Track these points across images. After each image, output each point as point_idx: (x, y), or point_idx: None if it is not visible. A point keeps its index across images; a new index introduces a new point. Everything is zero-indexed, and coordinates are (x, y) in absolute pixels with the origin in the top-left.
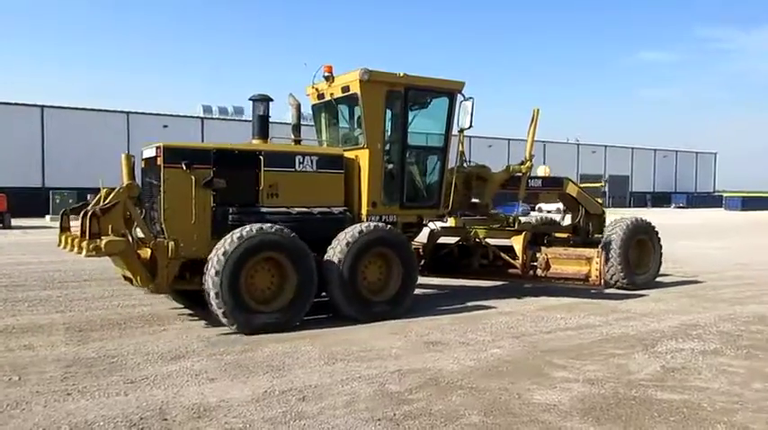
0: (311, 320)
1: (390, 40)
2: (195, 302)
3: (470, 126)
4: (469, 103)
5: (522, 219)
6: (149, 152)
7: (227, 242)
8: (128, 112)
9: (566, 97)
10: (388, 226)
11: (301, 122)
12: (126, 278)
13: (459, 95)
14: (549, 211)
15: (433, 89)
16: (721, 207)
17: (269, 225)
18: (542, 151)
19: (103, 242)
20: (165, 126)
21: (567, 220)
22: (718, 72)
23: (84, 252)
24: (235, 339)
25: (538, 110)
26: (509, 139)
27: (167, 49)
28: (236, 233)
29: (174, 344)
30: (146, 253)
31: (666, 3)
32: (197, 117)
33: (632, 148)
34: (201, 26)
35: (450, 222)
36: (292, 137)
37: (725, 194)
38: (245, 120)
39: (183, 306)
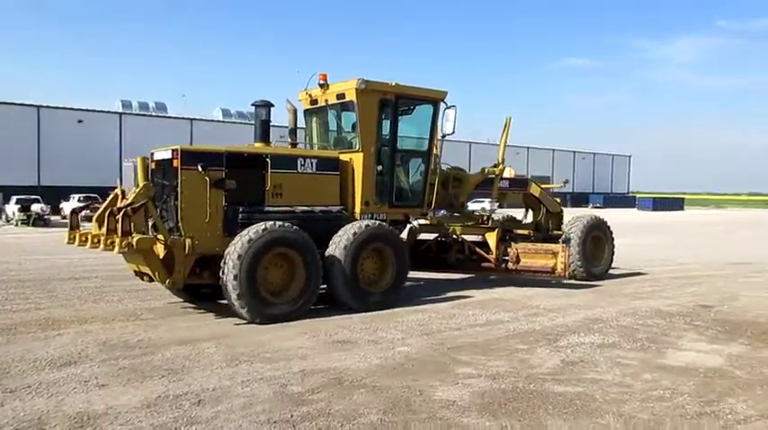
0: (224, 321)
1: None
2: (196, 297)
3: (453, 132)
4: (452, 110)
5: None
6: (162, 154)
7: (245, 238)
8: (38, 106)
9: (494, 101)
10: (385, 224)
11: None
12: (137, 274)
13: (441, 104)
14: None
15: (419, 97)
16: (635, 207)
17: (281, 223)
18: (468, 151)
19: (135, 239)
20: (80, 121)
21: (529, 218)
22: (636, 79)
23: (116, 248)
24: (135, 343)
25: (510, 118)
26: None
27: (83, 41)
28: (253, 230)
29: (67, 349)
30: (159, 250)
31: (588, 12)
32: (115, 113)
33: (553, 150)
34: (122, 13)
35: (427, 220)
36: (289, 140)
37: (638, 195)
38: (168, 117)
39: (182, 300)
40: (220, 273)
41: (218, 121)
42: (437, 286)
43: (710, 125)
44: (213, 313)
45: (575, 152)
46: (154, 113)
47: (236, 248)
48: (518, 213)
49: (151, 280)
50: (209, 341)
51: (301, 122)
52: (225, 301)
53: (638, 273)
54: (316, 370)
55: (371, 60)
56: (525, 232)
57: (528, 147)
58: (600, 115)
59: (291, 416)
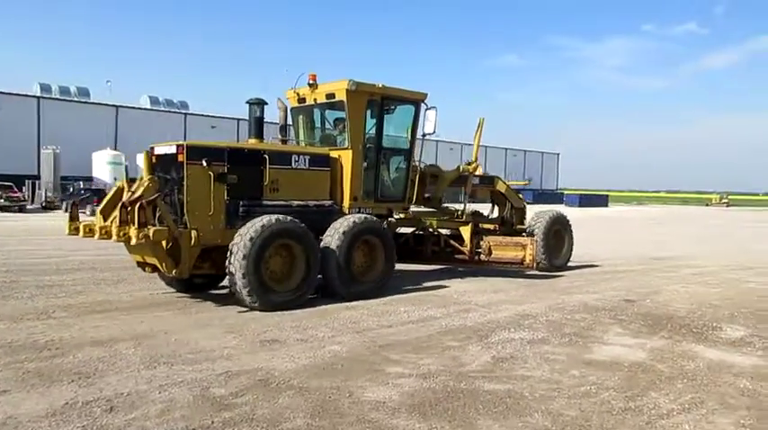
0: (147, 319)
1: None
2: (189, 288)
3: (434, 131)
4: (433, 111)
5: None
6: (165, 149)
7: (252, 230)
8: None
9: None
10: (375, 218)
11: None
12: (140, 264)
13: (423, 104)
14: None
15: (403, 98)
16: (562, 203)
17: (283, 216)
18: (421, 148)
19: (151, 231)
20: None
21: (495, 213)
22: (563, 77)
23: (133, 239)
24: (44, 343)
25: (482, 119)
26: None
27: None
28: (258, 222)
29: None
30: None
31: (522, 11)
32: (33, 96)
33: (486, 147)
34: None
35: (402, 214)
36: (279, 137)
37: (565, 192)
38: (91, 103)
39: (175, 290)
40: (227, 263)
41: (146, 109)
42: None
43: (635, 125)
44: (140, 310)
45: (506, 149)
46: (76, 99)
47: (244, 238)
48: (482, 208)
49: (154, 270)
50: (127, 341)
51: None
52: (216, 292)
53: (569, 267)
54: (241, 371)
55: (307, 51)
56: (491, 226)
57: (462, 144)
58: (532, 113)
59: (212, 422)
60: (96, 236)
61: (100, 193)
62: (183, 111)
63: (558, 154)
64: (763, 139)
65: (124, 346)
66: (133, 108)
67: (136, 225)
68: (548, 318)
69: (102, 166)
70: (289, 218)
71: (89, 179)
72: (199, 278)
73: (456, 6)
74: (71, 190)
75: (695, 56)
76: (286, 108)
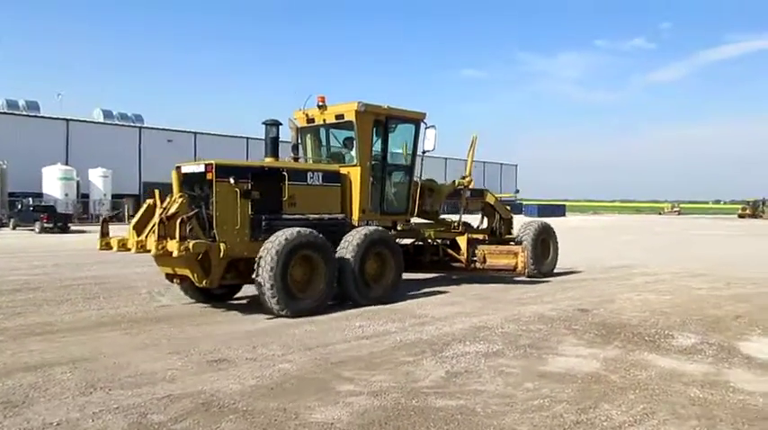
0: (89, 341)
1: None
2: (209, 298)
3: (433, 148)
4: (432, 130)
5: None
6: (193, 168)
7: (277, 242)
8: None
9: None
10: (384, 229)
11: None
12: (168, 276)
13: (422, 123)
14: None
15: (405, 118)
16: (521, 213)
17: (304, 229)
18: None
19: (191, 244)
20: None
21: (485, 224)
22: (522, 90)
23: (175, 252)
24: None
25: (476, 136)
26: None
27: None
28: (282, 235)
29: None
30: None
31: (486, 26)
32: None
33: (446, 158)
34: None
35: (404, 226)
36: (291, 155)
37: (524, 202)
38: (40, 117)
39: (194, 301)
40: (255, 274)
41: (99, 123)
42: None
43: (590, 136)
44: (81, 331)
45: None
46: (24, 113)
47: (270, 250)
48: (469, 219)
49: (182, 281)
50: (63, 365)
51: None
52: (234, 301)
53: (523, 278)
54: (183, 394)
55: (276, 64)
56: (481, 236)
57: (421, 156)
58: (491, 124)
59: None
60: (133, 250)
61: (49, 210)
62: (138, 125)
63: (516, 165)
64: (709, 150)
65: (59, 371)
66: (85, 122)
67: (177, 239)
68: (503, 329)
69: (53, 182)
70: (309, 230)
71: (39, 195)
72: (218, 288)
73: (419, 19)
74: (19, 207)
75: (644, 69)
76: (297, 128)
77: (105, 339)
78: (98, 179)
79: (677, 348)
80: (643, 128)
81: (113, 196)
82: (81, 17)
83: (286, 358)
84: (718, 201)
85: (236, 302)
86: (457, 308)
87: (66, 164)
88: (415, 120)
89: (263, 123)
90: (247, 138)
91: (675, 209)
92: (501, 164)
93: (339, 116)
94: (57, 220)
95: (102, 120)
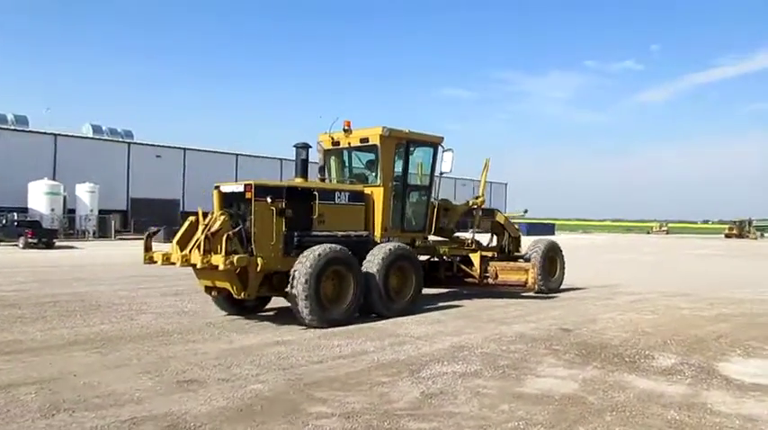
0: (58, 360)
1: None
2: (241, 310)
3: (450, 170)
4: (449, 153)
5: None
6: (232, 187)
7: (311, 258)
8: None
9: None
10: (407, 246)
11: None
12: (208, 289)
13: (440, 147)
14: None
15: (424, 141)
16: None
17: (335, 245)
18: None
19: (235, 258)
20: None
21: (494, 241)
22: (509, 110)
23: (221, 266)
24: None
25: (488, 160)
26: None
27: None
28: (315, 251)
29: None
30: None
31: (467, 46)
32: None
33: (437, 177)
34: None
35: (421, 243)
36: (319, 176)
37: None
38: (29, 131)
39: (226, 313)
40: (289, 286)
41: (88, 138)
42: None
43: (579, 156)
44: (52, 350)
45: (455, 179)
46: (12, 127)
47: (304, 265)
48: (477, 236)
49: (219, 293)
50: (29, 385)
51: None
52: (213, 321)
53: (505, 298)
54: (149, 416)
55: (254, 81)
56: (491, 254)
57: (439, 177)
58: (479, 143)
59: None
60: (178, 263)
61: (34, 225)
62: (128, 140)
63: (506, 183)
64: (697, 170)
65: (24, 392)
66: (74, 137)
67: (223, 253)
68: (483, 349)
69: (39, 197)
70: (339, 247)
71: (24, 210)
72: (250, 301)
73: (404, 40)
74: (4, 221)
75: (633, 90)
76: (325, 151)
77: (74, 358)
78: (85, 194)
79: (657, 369)
80: (632, 148)
81: (101, 212)
82: (71, 32)
83: (259, 379)
84: (706, 221)
85: (214, 321)
86: (438, 327)
87: (54, 179)
88: (434, 143)
89: (294, 146)
90: (237, 154)
91: (664, 228)
92: (491, 182)
93: (364, 139)
94: (41, 236)
95: (91, 135)
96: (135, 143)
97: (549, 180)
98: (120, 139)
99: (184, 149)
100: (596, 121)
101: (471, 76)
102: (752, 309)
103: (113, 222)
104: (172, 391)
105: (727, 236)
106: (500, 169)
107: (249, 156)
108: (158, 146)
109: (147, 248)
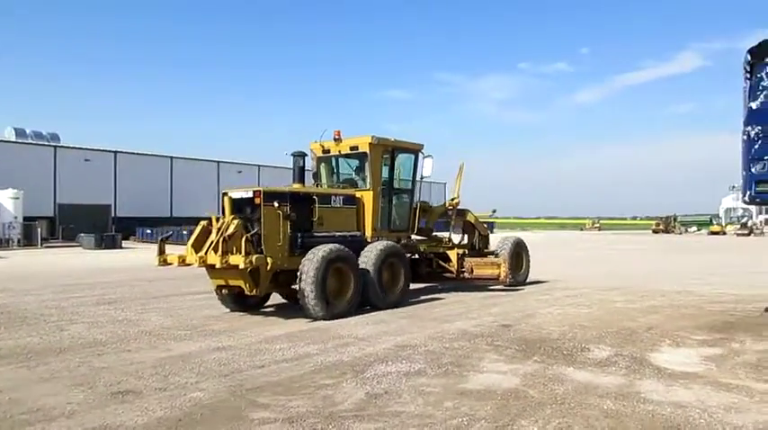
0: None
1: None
2: (246, 307)
3: (429, 175)
4: (429, 159)
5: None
6: (241, 194)
7: (317, 256)
8: None
9: (315, 128)
10: (397, 244)
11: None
12: (220, 287)
13: (420, 153)
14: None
15: (407, 149)
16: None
17: (337, 245)
18: (280, 178)
19: (254, 257)
20: None
21: (465, 239)
22: (448, 111)
23: (241, 265)
24: None
25: (463, 164)
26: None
27: None
28: (320, 250)
29: None
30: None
31: (410, 47)
32: None
33: None
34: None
35: (405, 241)
36: (314, 182)
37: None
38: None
39: (230, 310)
40: (298, 283)
41: (10, 142)
42: (251, 318)
43: (516, 155)
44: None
45: None
46: None
47: (312, 262)
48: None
49: (230, 291)
50: None
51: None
52: (264, 310)
53: (445, 295)
54: None
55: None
56: (461, 251)
57: (420, 181)
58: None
59: None
60: (196, 264)
61: None
62: (54, 144)
63: (445, 183)
64: (627, 169)
65: None
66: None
67: (243, 254)
68: (426, 348)
69: None
70: (341, 246)
71: None
72: (254, 298)
73: (342, 41)
74: None
75: (566, 92)
76: (318, 158)
77: (0, 373)
78: (8, 201)
79: (593, 361)
80: (567, 148)
81: (26, 219)
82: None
83: (199, 386)
84: (635, 218)
85: (150, 330)
86: (382, 327)
87: None
88: (415, 150)
89: (292, 155)
90: (171, 157)
91: (596, 225)
92: (430, 182)
93: (354, 147)
94: None
95: (14, 138)
96: (62, 146)
97: (489, 179)
98: (46, 143)
99: (115, 152)
100: (532, 121)
101: (412, 78)
102: (679, 300)
103: (40, 229)
104: (106, 403)
105: (655, 231)
106: (440, 169)
107: (184, 158)
108: (87, 149)
109: (161, 251)
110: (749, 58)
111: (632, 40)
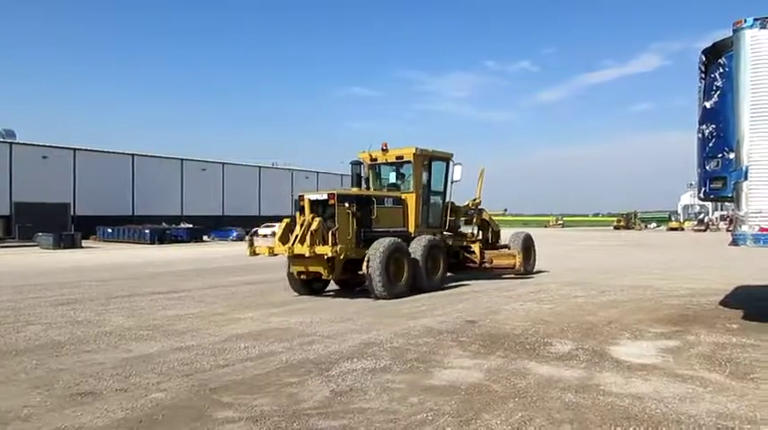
0: None
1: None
2: (311, 291)
3: (459, 180)
4: (459, 166)
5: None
6: (316, 196)
7: (381, 247)
8: None
9: (281, 124)
10: (437, 238)
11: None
12: (299, 274)
13: (451, 161)
14: (264, 235)
15: (441, 157)
16: None
17: (396, 239)
18: (258, 175)
19: (338, 247)
20: None
21: (480, 235)
22: (412, 109)
23: (330, 253)
24: None
25: (483, 169)
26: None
27: None
28: (383, 242)
29: None
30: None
31: (374, 45)
32: None
33: (341, 175)
34: None
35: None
36: (365, 186)
37: None
38: None
39: (299, 294)
40: (365, 268)
41: None
42: (220, 315)
43: (480, 153)
44: None
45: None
46: None
47: (378, 251)
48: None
49: (308, 276)
50: None
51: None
52: (113, 328)
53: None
54: None
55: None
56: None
57: (317, 172)
58: (381, 141)
59: None
60: (286, 253)
61: None
62: (9, 141)
63: None
64: (588, 167)
65: None
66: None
67: (330, 245)
68: (392, 344)
69: None
70: (398, 239)
71: None
72: (318, 283)
73: (300, 38)
74: None
75: (531, 90)
76: (366, 165)
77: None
78: None
79: (555, 355)
80: (531, 146)
81: None
82: None
83: (160, 387)
84: (597, 214)
85: (111, 330)
86: (348, 325)
87: None
88: (447, 158)
89: (351, 163)
90: (133, 154)
91: (560, 221)
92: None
93: (399, 157)
94: None
95: None
96: (18, 143)
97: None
98: (1, 140)
99: (74, 150)
100: (497, 119)
101: (376, 76)
102: (638, 294)
103: None
104: (64, 406)
105: (616, 227)
106: None
107: (146, 156)
108: (45, 146)
109: (251, 244)
110: (703, 58)
111: (596, 41)
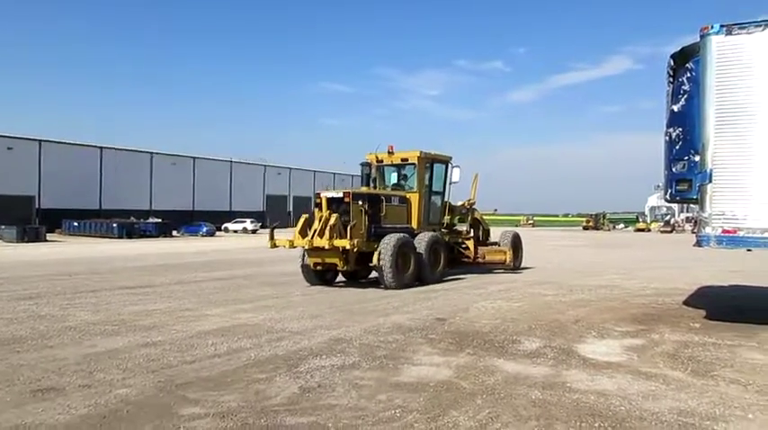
0: None
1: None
2: (325, 282)
3: (458, 181)
4: (457, 169)
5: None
6: (333, 194)
7: (391, 241)
8: None
9: (252, 118)
10: (439, 234)
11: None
12: (315, 265)
13: (450, 163)
14: (235, 230)
15: (440, 160)
16: None
17: (403, 234)
18: (230, 170)
19: (356, 241)
20: None
21: (471, 232)
22: (386, 106)
23: (348, 246)
24: None
25: (477, 175)
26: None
27: None
28: (393, 238)
29: None
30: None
31: (346, 41)
32: None
33: (314, 172)
34: None
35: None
36: (371, 186)
37: None
38: None
39: (309, 284)
40: (376, 260)
41: None
42: (188, 310)
43: (449, 151)
44: None
45: (335, 173)
46: None
47: (388, 245)
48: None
49: (324, 267)
50: None
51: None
52: (77, 322)
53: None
54: None
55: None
56: (472, 241)
57: (290, 168)
58: (357, 139)
59: None
60: (306, 246)
61: None
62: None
63: None
64: (557, 168)
65: None
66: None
67: (348, 238)
68: (361, 341)
69: None
70: (405, 235)
71: None
72: (329, 274)
73: (275, 34)
74: None
75: (501, 90)
76: (373, 167)
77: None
78: None
79: (523, 353)
80: (500, 145)
81: None
82: None
83: (125, 382)
84: (566, 214)
85: (75, 325)
86: (317, 321)
87: None
88: (447, 161)
89: (360, 164)
90: (101, 147)
91: (530, 221)
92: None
93: (404, 159)
94: None
95: None
96: None
97: None
98: None
99: (40, 141)
100: (467, 118)
101: (351, 73)
102: (605, 294)
103: None
104: (25, 402)
105: (585, 227)
106: None
107: (115, 149)
108: (9, 137)
109: (272, 237)
110: (672, 62)
111: (567, 43)
